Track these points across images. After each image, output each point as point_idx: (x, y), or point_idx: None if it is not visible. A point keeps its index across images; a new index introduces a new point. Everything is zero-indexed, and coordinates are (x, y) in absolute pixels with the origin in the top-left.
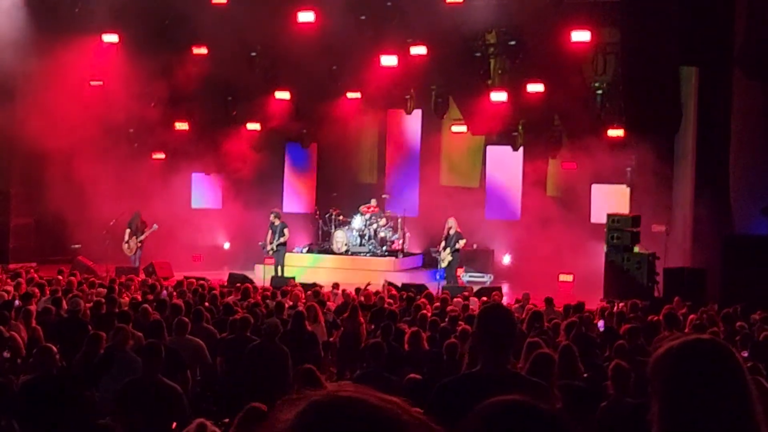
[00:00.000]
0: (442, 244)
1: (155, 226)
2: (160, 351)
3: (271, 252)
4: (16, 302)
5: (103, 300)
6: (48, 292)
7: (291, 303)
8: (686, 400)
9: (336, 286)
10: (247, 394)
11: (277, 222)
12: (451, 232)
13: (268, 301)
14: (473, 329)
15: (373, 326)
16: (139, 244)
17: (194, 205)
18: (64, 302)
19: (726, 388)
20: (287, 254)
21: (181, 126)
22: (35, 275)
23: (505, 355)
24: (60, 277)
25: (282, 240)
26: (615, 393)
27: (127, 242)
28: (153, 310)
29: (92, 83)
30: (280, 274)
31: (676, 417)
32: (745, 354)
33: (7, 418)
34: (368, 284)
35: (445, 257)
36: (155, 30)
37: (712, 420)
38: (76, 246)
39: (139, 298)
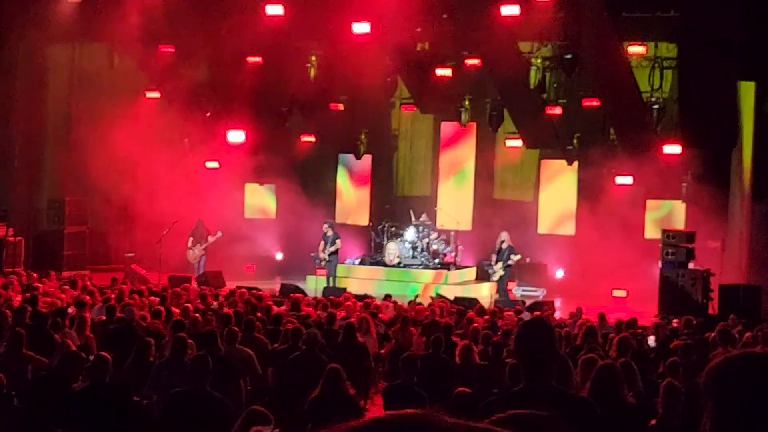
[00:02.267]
0: (494, 257)
1: (219, 233)
2: (207, 363)
3: (323, 262)
4: (70, 309)
5: (158, 309)
6: (100, 300)
7: (343, 314)
8: (739, 413)
9: (388, 297)
10: (289, 404)
11: (330, 233)
12: (504, 245)
13: (319, 312)
14: (513, 346)
15: (424, 339)
16: (203, 252)
17: (247, 215)
18: (117, 310)
19: None
20: (339, 265)
21: (235, 136)
22: (89, 283)
23: (547, 371)
24: (112, 285)
25: (333, 249)
26: (664, 411)
27: (191, 249)
28: (203, 319)
29: (148, 94)
30: (332, 284)
31: (727, 430)
32: None
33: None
34: (417, 297)
35: (497, 271)
36: (210, 39)
37: None
38: (130, 254)
39: (191, 308)
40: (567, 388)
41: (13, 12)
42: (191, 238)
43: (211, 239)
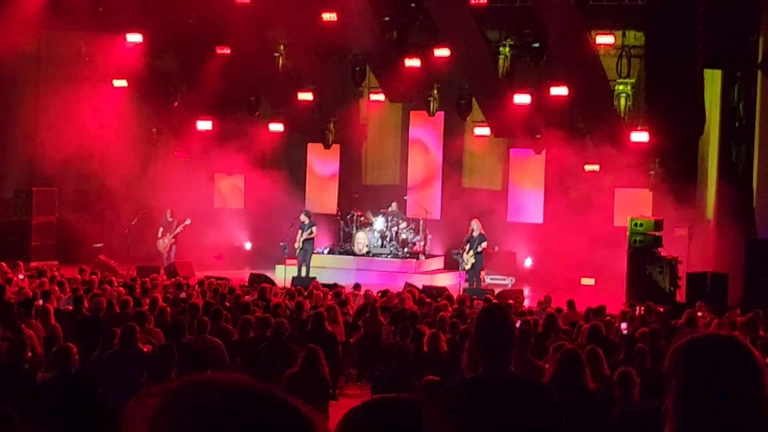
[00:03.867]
0: (466, 246)
1: (188, 220)
2: (173, 353)
3: (297, 250)
4: (39, 300)
5: (126, 299)
6: (69, 291)
7: (312, 303)
8: (702, 391)
9: (357, 287)
10: None
11: (307, 221)
12: (475, 234)
13: (287, 301)
14: (472, 332)
15: (393, 328)
16: (173, 241)
17: (216, 204)
18: (85, 301)
19: (742, 382)
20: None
21: (204, 126)
22: (57, 273)
23: (506, 357)
24: (80, 276)
25: (307, 236)
26: (621, 399)
27: (161, 239)
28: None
29: (115, 83)
30: (304, 273)
31: (690, 409)
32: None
33: (27, 416)
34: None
35: (468, 259)
36: (179, 30)
37: (726, 412)
38: (98, 245)
39: (159, 298)
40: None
41: None
42: (161, 228)
43: (179, 228)
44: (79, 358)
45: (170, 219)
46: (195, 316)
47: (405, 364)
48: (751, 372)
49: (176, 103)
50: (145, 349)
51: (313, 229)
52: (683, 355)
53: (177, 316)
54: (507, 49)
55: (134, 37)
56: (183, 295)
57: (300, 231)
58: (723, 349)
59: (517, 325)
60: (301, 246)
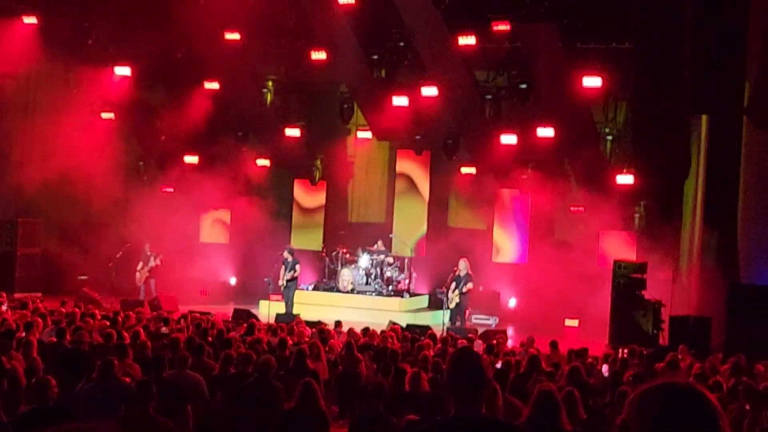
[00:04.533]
0: (453, 285)
1: (161, 255)
2: (150, 388)
3: (281, 287)
4: (21, 332)
5: (109, 332)
6: (51, 323)
7: (295, 340)
8: None
9: (339, 324)
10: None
11: (290, 258)
12: (462, 273)
13: (270, 337)
14: (445, 374)
15: (375, 366)
16: (148, 274)
17: (202, 239)
18: (67, 333)
19: (701, 430)
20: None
21: (191, 160)
22: (40, 305)
23: (478, 399)
24: (63, 308)
25: (292, 275)
26: None
27: (139, 272)
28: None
29: (103, 115)
30: (288, 310)
31: None
32: (747, 407)
33: None
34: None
35: (453, 298)
36: (168, 63)
37: None
38: (83, 277)
39: (142, 332)
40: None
41: None
42: (141, 262)
43: (154, 262)
44: (60, 391)
45: (149, 253)
46: (175, 351)
47: (382, 402)
48: (710, 420)
49: (163, 137)
50: (127, 381)
51: (297, 267)
52: (642, 404)
53: (158, 350)
54: (494, 89)
55: (123, 70)
56: (164, 329)
57: (284, 268)
58: (681, 398)
59: (498, 365)
60: (284, 284)
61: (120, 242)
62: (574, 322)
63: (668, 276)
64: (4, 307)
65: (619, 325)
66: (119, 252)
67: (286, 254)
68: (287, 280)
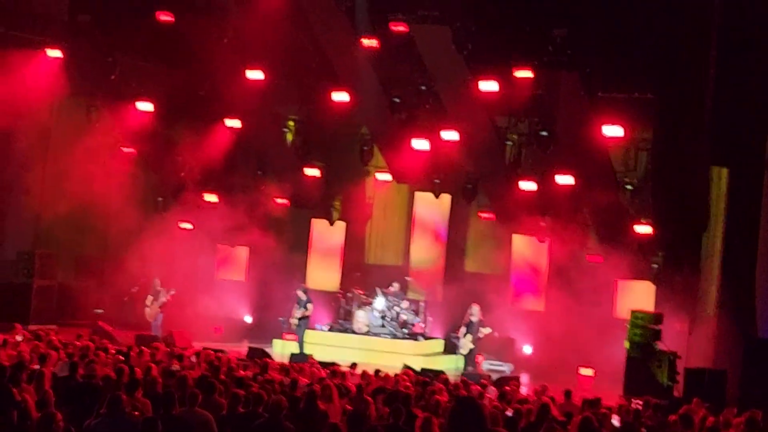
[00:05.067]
0: (463, 330)
1: (172, 291)
2: (156, 426)
3: (294, 327)
4: (35, 365)
5: (121, 367)
6: (65, 356)
7: (307, 381)
8: None
9: (354, 366)
10: None
11: (303, 297)
12: (474, 319)
13: (283, 377)
14: (445, 425)
15: (387, 409)
16: (159, 310)
17: (219, 276)
18: (80, 367)
19: None
20: (307, 331)
21: (210, 197)
22: (54, 338)
23: None
24: (78, 342)
25: (303, 313)
26: None
27: (149, 307)
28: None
29: (124, 149)
30: (299, 350)
31: None
32: None
33: None
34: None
35: (466, 344)
36: (190, 100)
37: None
38: (98, 311)
39: (154, 368)
40: None
41: None
42: (150, 297)
43: (163, 298)
44: (70, 425)
45: (159, 288)
46: (184, 388)
47: None
48: None
49: (183, 173)
50: (137, 415)
51: (309, 306)
52: None
53: (169, 387)
54: (515, 135)
55: (145, 105)
56: (176, 366)
57: (297, 306)
58: None
59: (509, 413)
60: (296, 322)
61: (136, 277)
62: (589, 371)
63: (685, 327)
64: (18, 337)
65: (634, 375)
66: (135, 286)
67: (299, 293)
68: (299, 319)
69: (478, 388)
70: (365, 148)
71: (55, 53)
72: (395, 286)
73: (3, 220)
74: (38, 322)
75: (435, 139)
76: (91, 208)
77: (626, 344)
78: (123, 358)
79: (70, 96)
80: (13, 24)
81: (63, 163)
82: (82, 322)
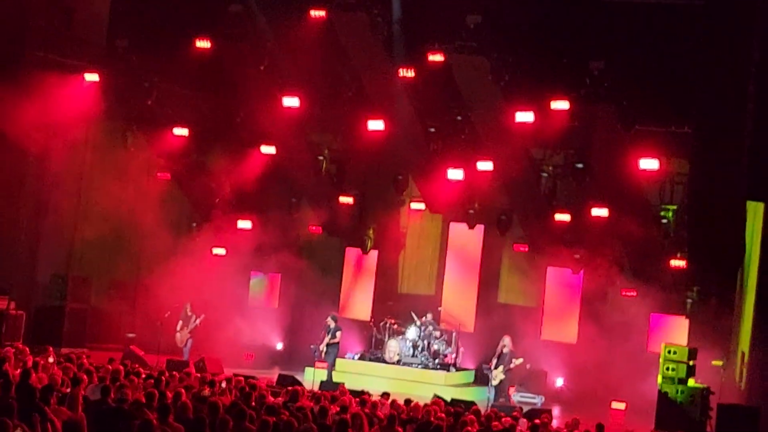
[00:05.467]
0: (494, 361)
1: (202, 316)
2: None
3: (323, 354)
4: (66, 388)
5: (152, 392)
6: (96, 379)
7: (338, 409)
8: None
9: (386, 395)
10: None
11: (332, 325)
12: (505, 350)
13: (314, 405)
14: None
15: None
16: (189, 336)
17: (251, 302)
18: (112, 391)
19: None
20: (338, 359)
21: (244, 223)
22: (86, 361)
23: None
24: (109, 366)
25: (329, 341)
26: None
27: (179, 332)
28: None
29: (159, 174)
30: (328, 378)
31: None
32: None
33: None
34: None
35: (497, 375)
36: (225, 126)
37: None
38: (131, 335)
39: (184, 393)
40: None
41: (32, 84)
42: (180, 322)
43: (193, 323)
44: None
45: (189, 313)
46: (215, 414)
47: None
48: None
49: (217, 199)
50: None
51: (338, 334)
52: None
53: (200, 413)
54: (550, 167)
55: (181, 131)
56: (207, 391)
57: (326, 334)
58: None
59: None
60: (325, 350)
61: (168, 301)
62: (621, 405)
63: (719, 363)
64: (51, 359)
65: (667, 410)
66: (167, 311)
67: (329, 320)
68: (327, 346)
69: (510, 419)
70: (400, 177)
71: (92, 77)
72: (428, 317)
73: (37, 243)
74: (70, 345)
75: (470, 170)
76: (124, 232)
77: (659, 378)
78: (154, 383)
79: (106, 120)
80: (53, 48)
81: (98, 187)
82: (114, 346)
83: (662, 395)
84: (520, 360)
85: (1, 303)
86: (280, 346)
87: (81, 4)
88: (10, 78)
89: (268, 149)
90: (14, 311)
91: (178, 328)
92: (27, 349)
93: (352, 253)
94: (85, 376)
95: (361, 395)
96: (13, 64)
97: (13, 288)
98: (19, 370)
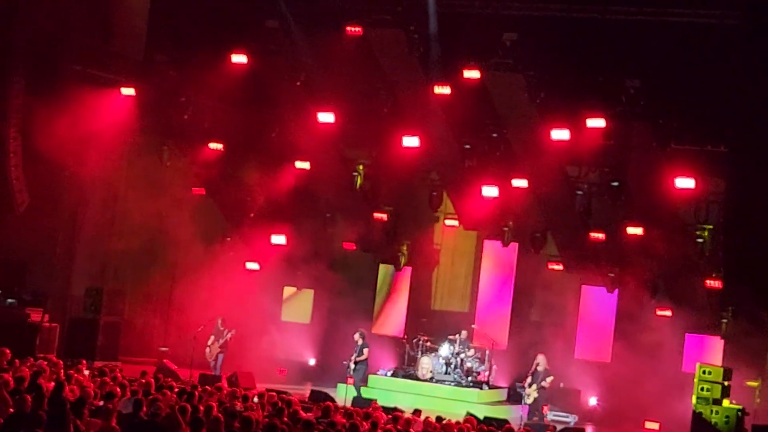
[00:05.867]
0: (528, 379)
1: (234, 331)
2: None
3: (350, 371)
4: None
5: (184, 405)
6: (129, 393)
7: (369, 426)
8: None
9: (417, 412)
10: None
11: (360, 341)
12: (539, 368)
13: (345, 421)
14: None
15: None
16: (220, 350)
17: (284, 318)
18: (144, 405)
19: None
20: (370, 376)
21: (277, 238)
22: (119, 375)
23: None
24: (142, 379)
25: (357, 357)
26: None
27: (209, 347)
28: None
29: (194, 189)
30: (356, 394)
31: None
32: None
33: None
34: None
35: (531, 393)
36: (260, 141)
37: None
38: (164, 349)
39: (215, 407)
40: None
41: (69, 98)
42: (212, 336)
43: (225, 337)
44: None
45: (221, 328)
46: (248, 429)
47: None
48: None
49: (252, 214)
50: None
51: (364, 351)
52: None
53: (232, 427)
54: (585, 185)
55: (216, 145)
56: (239, 406)
57: (354, 351)
58: None
59: None
60: (354, 367)
61: (202, 315)
62: (655, 425)
63: (754, 384)
64: (85, 372)
65: (700, 430)
66: (201, 325)
67: (357, 336)
68: (354, 363)
69: None
70: (434, 193)
71: (128, 91)
72: (462, 334)
73: (72, 256)
74: (104, 359)
75: (505, 187)
76: (159, 245)
77: (693, 398)
78: (187, 397)
79: (142, 134)
80: (90, 62)
81: (133, 201)
82: (147, 359)
83: (696, 416)
84: (551, 378)
85: (35, 316)
86: (312, 361)
87: (119, 19)
88: (47, 91)
89: (302, 164)
90: (48, 324)
91: (209, 342)
92: (61, 362)
93: (385, 269)
94: (118, 390)
95: (392, 412)
96: (51, 78)
97: (48, 300)
98: (52, 383)
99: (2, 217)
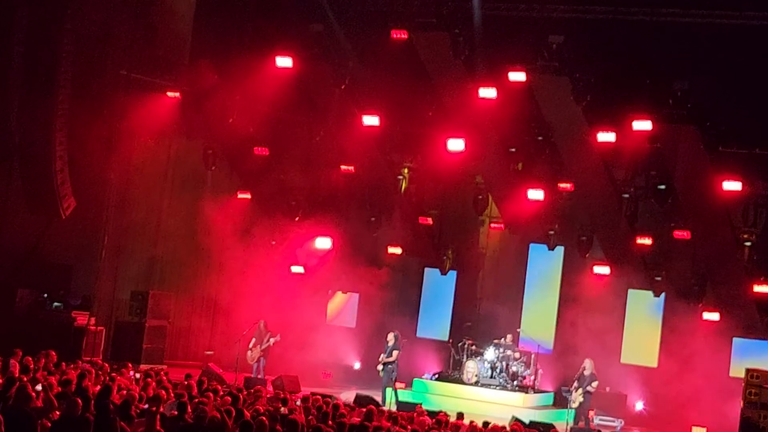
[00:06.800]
0: (575, 384)
1: (278, 336)
2: None
3: (380, 372)
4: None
5: (229, 409)
6: (174, 396)
7: (414, 429)
8: None
9: (461, 416)
10: None
11: (391, 343)
12: (586, 372)
13: (391, 425)
14: None
15: None
16: (261, 354)
17: (329, 321)
18: (189, 407)
19: None
20: (415, 380)
21: (323, 242)
22: (164, 378)
23: None
24: (187, 382)
25: (386, 359)
26: None
27: (251, 350)
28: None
29: (239, 194)
30: (389, 397)
31: None
32: None
33: None
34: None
35: (577, 398)
36: (305, 146)
37: None
38: (209, 352)
39: (261, 410)
40: None
41: (114, 103)
42: (253, 339)
43: (266, 342)
44: None
45: (264, 330)
46: None
47: None
48: None
49: (297, 218)
50: None
51: (394, 353)
52: None
53: (274, 431)
54: (632, 188)
55: (261, 150)
56: (284, 410)
57: (383, 352)
58: None
59: None
60: (382, 368)
61: (247, 319)
62: (702, 430)
63: None
64: (131, 375)
65: None
66: (245, 329)
67: (389, 337)
68: (384, 364)
69: None
70: (480, 197)
71: (173, 95)
72: (508, 338)
73: (118, 259)
74: (149, 362)
75: (550, 190)
76: (204, 249)
77: (741, 403)
78: (232, 401)
79: (187, 138)
80: (135, 66)
81: (178, 205)
82: (192, 362)
83: (745, 420)
84: (596, 383)
85: (81, 319)
86: (357, 365)
87: (164, 23)
88: (92, 96)
89: (347, 168)
90: (94, 327)
91: (251, 345)
92: (107, 365)
93: (430, 273)
94: (163, 393)
95: (437, 415)
96: (96, 82)
97: (94, 304)
98: (98, 386)
99: (48, 221)
